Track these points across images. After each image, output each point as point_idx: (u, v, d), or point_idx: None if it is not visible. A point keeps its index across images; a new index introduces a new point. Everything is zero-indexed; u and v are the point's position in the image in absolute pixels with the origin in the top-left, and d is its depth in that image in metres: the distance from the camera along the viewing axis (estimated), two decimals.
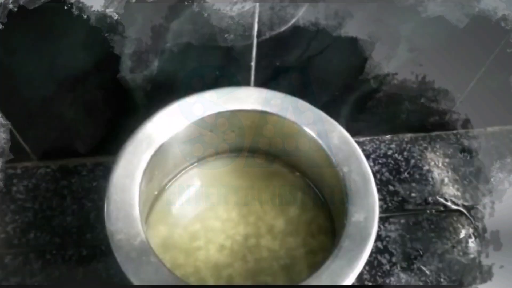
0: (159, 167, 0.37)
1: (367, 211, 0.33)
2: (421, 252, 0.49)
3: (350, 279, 0.30)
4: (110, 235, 0.30)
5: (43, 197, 0.49)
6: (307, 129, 0.37)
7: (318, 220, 0.40)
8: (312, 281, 0.29)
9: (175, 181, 0.42)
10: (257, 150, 0.43)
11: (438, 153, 0.57)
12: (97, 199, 0.49)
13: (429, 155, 0.57)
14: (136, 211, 0.32)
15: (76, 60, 0.40)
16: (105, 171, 0.51)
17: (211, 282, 0.36)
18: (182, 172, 0.42)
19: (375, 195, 0.34)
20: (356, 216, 0.33)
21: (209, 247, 0.38)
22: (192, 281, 0.36)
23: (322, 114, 0.38)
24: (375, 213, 0.33)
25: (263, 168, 0.44)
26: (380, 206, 0.52)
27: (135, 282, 0.28)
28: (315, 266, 0.36)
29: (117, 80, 0.42)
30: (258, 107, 0.38)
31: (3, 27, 0.35)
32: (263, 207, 0.41)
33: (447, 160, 0.57)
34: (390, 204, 0.52)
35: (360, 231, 0.32)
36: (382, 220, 0.51)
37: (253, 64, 0.43)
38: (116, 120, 0.46)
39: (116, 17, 0.36)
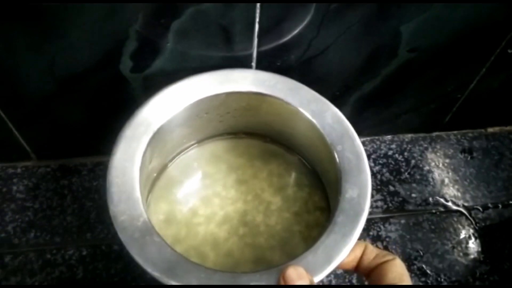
0: (158, 149, 0.38)
1: (360, 187, 0.34)
2: (421, 253, 0.49)
3: (344, 253, 0.31)
4: (114, 216, 0.31)
5: (43, 197, 0.49)
6: (301, 109, 0.38)
7: (314, 198, 0.41)
8: (309, 255, 0.30)
9: (174, 162, 0.43)
10: (253, 131, 0.44)
11: (438, 154, 0.57)
12: (98, 198, 0.49)
13: (430, 155, 0.57)
14: (138, 193, 0.32)
15: (76, 60, 0.40)
16: (106, 171, 0.51)
17: (211, 256, 0.37)
18: (181, 154, 0.43)
19: (368, 172, 0.35)
20: (349, 192, 0.34)
21: (209, 222, 0.39)
22: (193, 254, 0.37)
23: (316, 95, 0.39)
24: (368, 189, 0.34)
25: (261, 148, 0.45)
26: (381, 207, 0.52)
27: (140, 261, 0.29)
28: (310, 240, 0.38)
29: (118, 80, 0.42)
30: (253, 88, 0.39)
31: (3, 25, 0.35)
32: (260, 185, 0.42)
33: (447, 160, 0.57)
34: (390, 205, 0.52)
35: (353, 207, 0.33)
36: (382, 220, 0.51)
37: (253, 64, 0.43)
38: (116, 120, 0.46)
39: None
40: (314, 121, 0.38)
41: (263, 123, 0.43)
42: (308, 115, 0.38)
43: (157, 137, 0.36)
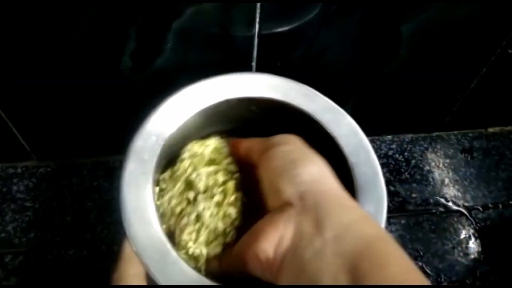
0: (163, 156, 0.37)
1: (377, 203, 0.33)
2: (421, 253, 0.49)
3: None
4: (131, 237, 0.30)
5: (44, 197, 0.49)
6: (316, 118, 0.36)
7: None
8: None
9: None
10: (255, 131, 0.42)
11: (438, 154, 0.57)
12: (98, 198, 0.49)
13: (430, 155, 0.57)
14: (153, 211, 0.31)
15: (76, 60, 0.40)
16: (106, 171, 0.51)
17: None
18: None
19: (384, 187, 0.34)
20: (366, 207, 0.33)
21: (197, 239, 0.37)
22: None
23: (331, 103, 0.37)
24: (384, 204, 0.33)
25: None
26: None
27: (163, 282, 0.28)
28: None
29: (118, 80, 0.42)
30: (265, 94, 0.37)
31: (3, 25, 0.35)
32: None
33: (447, 160, 0.57)
34: (390, 205, 0.52)
35: None
36: None
37: (254, 64, 0.43)
38: (116, 120, 0.46)
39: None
40: (329, 131, 0.36)
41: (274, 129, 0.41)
42: (323, 123, 0.36)
43: (165, 146, 0.34)
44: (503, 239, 0.51)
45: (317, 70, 0.45)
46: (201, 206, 0.32)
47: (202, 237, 0.31)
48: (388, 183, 0.54)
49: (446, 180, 0.55)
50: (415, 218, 0.51)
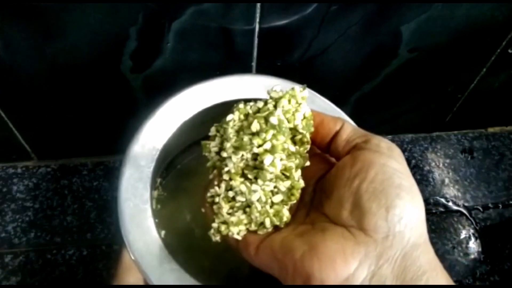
0: (162, 160, 0.37)
1: None
2: None
3: None
4: (129, 244, 0.30)
5: (44, 197, 0.49)
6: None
7: None
8: None
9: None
10: None
11: (439, 154, 0.57)
12: (98, 198, 0.49)
13: (430, 155, 0.57)
14: (151, 218, 0.31)
15: (76, 60, 0.40)
16: (106, 171, 0.51)
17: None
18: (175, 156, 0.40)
19: None
20: None
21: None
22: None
23: (330, 104, 0.37)
24: None
25: None
26: None
27: None
28: None
29: (118, 80, 0.42)
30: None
31: (4, 25, 0.35)
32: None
33: (448, 160, 0.57)
34: None
35: None
36: None
37: (254, 64, 0.43)
38: (116, 120, 0.46)
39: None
40: None
41: None
42: None
43: (163, 150, 0.34)
44: (503, 239, 0.51)
45: (317, 70, 0.45)
46: (256, 196, 0.25)
47: (235, 219, 0.26)
48: None
49: (446, 180, 0.55)
50: None
